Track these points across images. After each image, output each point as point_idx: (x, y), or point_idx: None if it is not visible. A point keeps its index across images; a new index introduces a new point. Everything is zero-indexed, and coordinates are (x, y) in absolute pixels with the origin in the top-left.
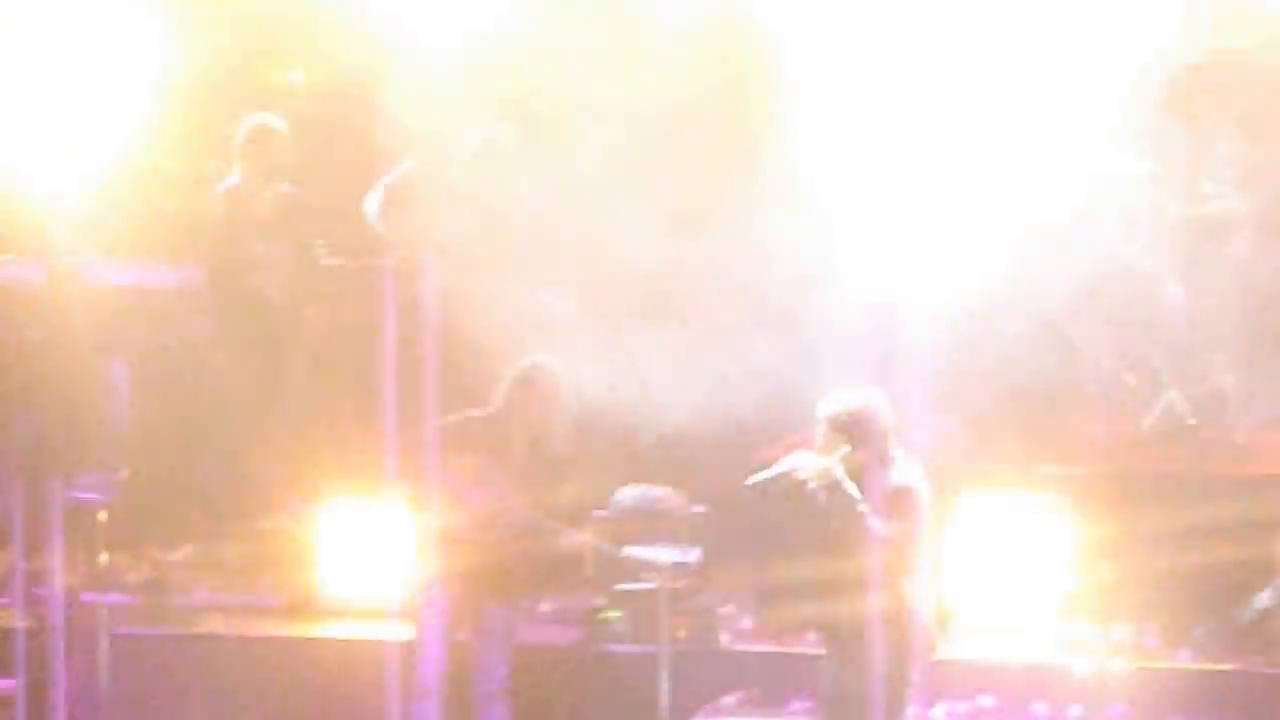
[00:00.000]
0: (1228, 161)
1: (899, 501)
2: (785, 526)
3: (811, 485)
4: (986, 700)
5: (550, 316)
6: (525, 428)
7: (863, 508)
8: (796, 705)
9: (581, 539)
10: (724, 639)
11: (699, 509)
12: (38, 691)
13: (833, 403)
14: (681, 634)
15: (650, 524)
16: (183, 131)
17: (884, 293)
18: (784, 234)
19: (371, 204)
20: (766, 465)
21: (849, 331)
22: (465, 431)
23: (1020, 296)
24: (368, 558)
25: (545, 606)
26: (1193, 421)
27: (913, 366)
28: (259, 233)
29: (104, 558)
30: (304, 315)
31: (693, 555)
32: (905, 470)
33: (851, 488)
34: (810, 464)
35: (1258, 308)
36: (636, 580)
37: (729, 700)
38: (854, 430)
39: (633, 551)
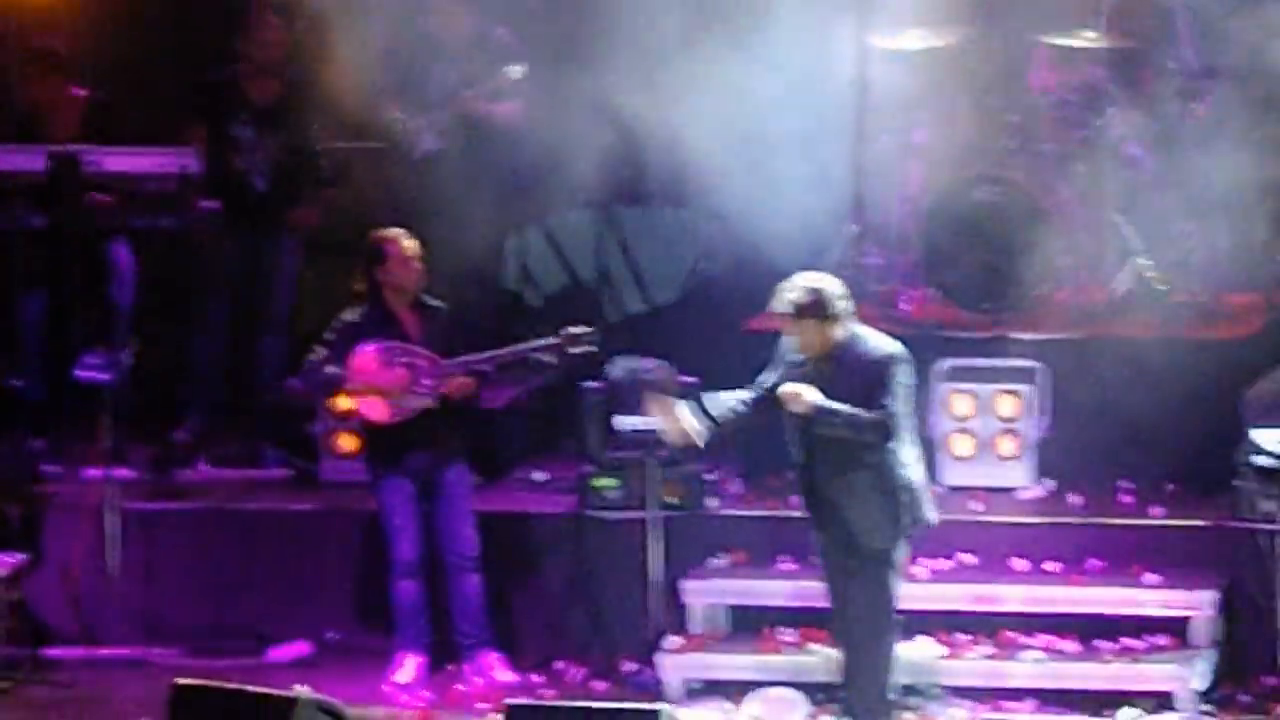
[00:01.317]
0: (1189, 34)
1: (880, 373)
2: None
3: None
4: (968, 557)
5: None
6: (397, 295)
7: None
8: (782, 565)
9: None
10: (712, 503)
11: (687, 378)
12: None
13: (784, 291)
14: (672, 499)
15: (639, 393)
16: (182, 14)
17: (859, 168)
18: (764, 109)
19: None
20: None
21: (828, 206)
22: (349, 329)
23: (992, 167)
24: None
25: (539, 475)
26: (1162, 287)
27: (888, 238)
28: (251, 118)
29: (111, 434)
30: (292, 202)
31: None
32: (884, 341)
33: (827, 406)
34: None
35: (1221, 175)
36: (628, 448)
37: (718, 562)
38: (817, 310)
39: (622, 420)
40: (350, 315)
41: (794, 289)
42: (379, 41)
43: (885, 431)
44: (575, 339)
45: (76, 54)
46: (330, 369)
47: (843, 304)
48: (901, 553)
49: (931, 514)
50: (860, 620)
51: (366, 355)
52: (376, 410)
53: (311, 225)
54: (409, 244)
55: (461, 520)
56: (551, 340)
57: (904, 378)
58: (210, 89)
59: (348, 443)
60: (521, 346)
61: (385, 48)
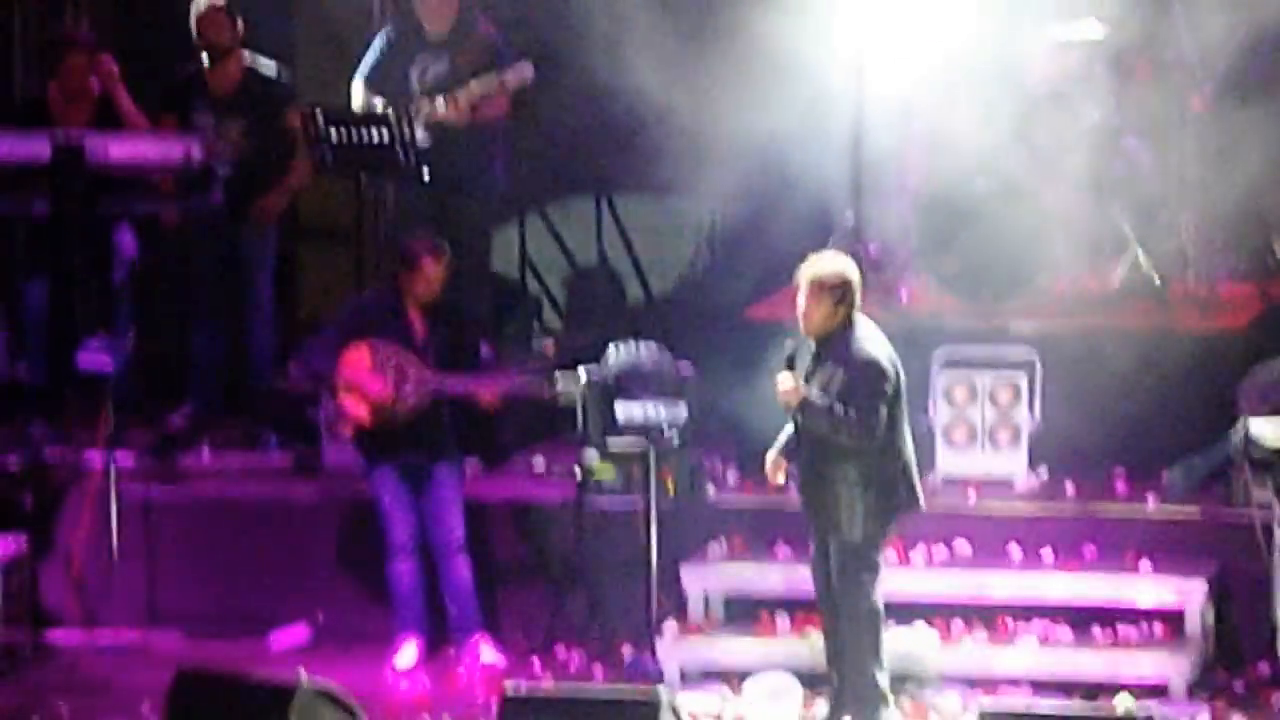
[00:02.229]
0: (1185, 25)
1: (860, 379)
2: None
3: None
4: (963, 546)
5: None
6: (414, 301)
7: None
8: (779, 552)
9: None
10: (710, 491)
11: (687, 366)
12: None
13: (817, 264)
14: (669, 488)
15: (639, 381)
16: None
17: (860, 160)
18: (766, 101)
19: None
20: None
21: (826, 196)
22: (358, 311)
23: (991, 160)
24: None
25: (538, 464)
26: (1158, 278)
27: (887, 227)
28: (210, 107)
29: (112, 419)
30: (258, 190)
31: (680, 412)
32: (874, 342)
33: (816, 398)
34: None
35: (1217, 167)
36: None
37: (716, 549)
38: (834, 290)
39: (622, 408)
40: (363, 297)
41: (820, 262)
42: (362, 30)
43: (863, 441)
44: (560, 391)
45: (102, 41)
46: (321, 360)
47: (855, 295)
48: (879, 547)
49: (906, 513)
50: (844, 610)
51: (360, 354)
52: (358, 410)
53: (276, 213)
54: (438, 265)
55: (446, 506)
56: (537, 380)
57: (885, 386)
58: (175, 81)
59: (349, 428)
60: (513, 380)
61: (367, 36)
